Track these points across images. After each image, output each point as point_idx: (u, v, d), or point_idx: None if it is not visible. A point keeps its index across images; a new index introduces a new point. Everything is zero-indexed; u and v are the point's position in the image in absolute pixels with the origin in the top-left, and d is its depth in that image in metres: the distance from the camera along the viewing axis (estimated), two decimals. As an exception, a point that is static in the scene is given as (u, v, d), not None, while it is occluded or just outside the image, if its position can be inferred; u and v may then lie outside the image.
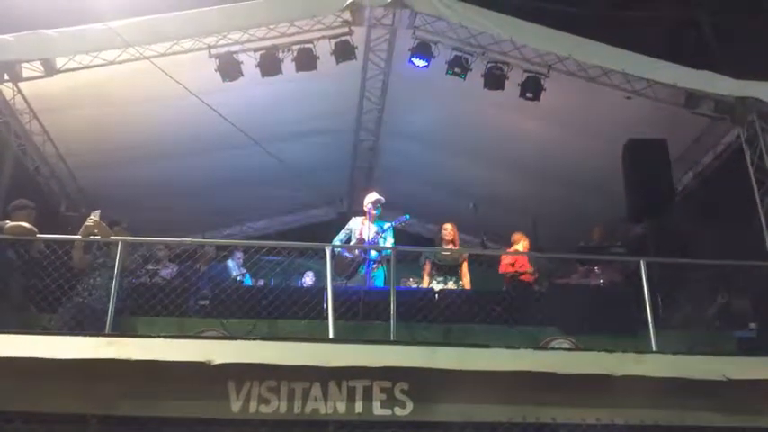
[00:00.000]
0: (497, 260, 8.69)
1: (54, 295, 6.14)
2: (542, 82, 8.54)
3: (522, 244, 8.71)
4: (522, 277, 8.53)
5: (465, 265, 8.11)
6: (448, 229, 8.24)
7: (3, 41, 7.57)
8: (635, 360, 5.73)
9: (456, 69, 8.62)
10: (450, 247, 8.18)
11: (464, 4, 8.17)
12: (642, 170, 8.18)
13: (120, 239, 6.31)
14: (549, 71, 8.49)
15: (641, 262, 6.55)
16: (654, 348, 6.12)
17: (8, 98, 8.11)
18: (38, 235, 6.36)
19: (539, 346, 6.66)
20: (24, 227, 6.33)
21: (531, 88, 8.59)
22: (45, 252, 6.25)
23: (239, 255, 9.09)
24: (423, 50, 8.59)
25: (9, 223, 6.35)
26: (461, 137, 10.16)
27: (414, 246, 9.87)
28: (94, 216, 6.34)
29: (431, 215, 11.49)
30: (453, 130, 10.15)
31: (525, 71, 8.59)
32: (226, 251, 9.02)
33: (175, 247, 8.31)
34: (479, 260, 8.60)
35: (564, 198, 10.20)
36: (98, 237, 6.38)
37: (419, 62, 8.65)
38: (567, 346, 6.78)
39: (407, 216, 8.29)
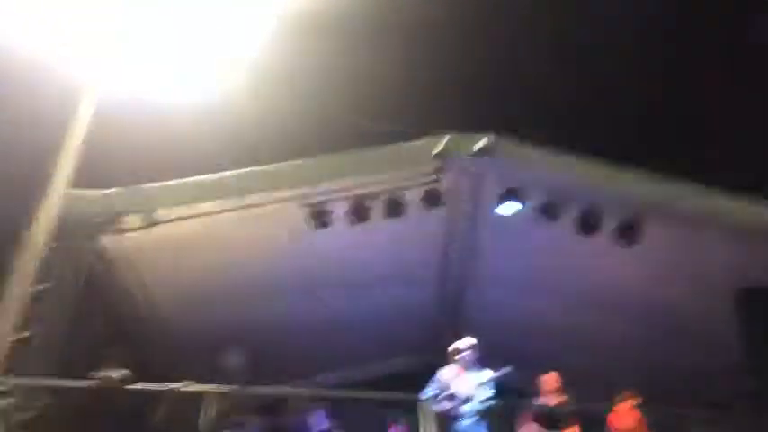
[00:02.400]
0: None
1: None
2: (639, 226, 8.27)
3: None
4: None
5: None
6: (549, 380, 7.66)
7: (105, 195, 7.96)
8: None
9: (546, 215, 8.49)
10: (554, 397, 7.56)
11: (553, 153, 8.18)
12: (760, 320, 7.60)
13: (211, 389, 6.09)
14: (643, 215, 8.24)
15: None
16: None
17: (108, 248, 8.37)
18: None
19: None
20: (114, 379, 6.22)
21: (626, 233, 8.32)
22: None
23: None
24: (511, 197, 8.53)
25: (102, 373, 6.26)
26: (554, 283, 9.80)
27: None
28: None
29: (524, 366, 10.79)
30: (545, 276, 9.81)
31: (619, 215, 8.36)
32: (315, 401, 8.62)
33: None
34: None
35: (668, 349, 9.51)
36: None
37: (508, 208, 8.55)
38: None
39: (503, 373, 7.71)
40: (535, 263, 9.75)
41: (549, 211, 8.41)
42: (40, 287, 7.23)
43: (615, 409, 7.88)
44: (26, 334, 6.86)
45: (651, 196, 8.02)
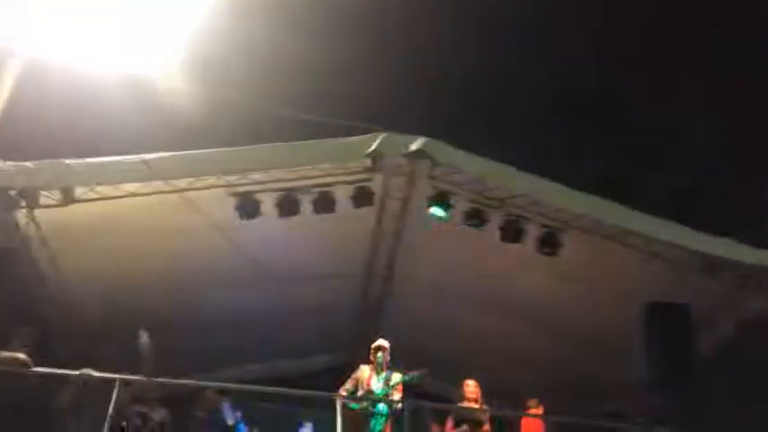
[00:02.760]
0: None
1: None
2: (560, 237, 8.52)
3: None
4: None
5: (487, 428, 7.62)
6: (471, 386, 7.82)
7: (23, 168, 7.59)
8: None
9: (473, 221, 8.63)
10: (472, 405, 7.71)
11: (484, 159, 8.31)
12: (664, 335, 7.94)
13: (119, 377, 5.94)
14: (566, 227, 8.50)
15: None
16: None
17: (21, 224, 8.03)
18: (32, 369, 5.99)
19: None
20: (20, 359, 5.99)
21: (549, 243, 8.57)
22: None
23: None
24: (441, 200, 8.63)
25: (4, 354, 6.02)
26: (477, 289, 9.98)
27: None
28: None
29: (442, 371, 10.96)
30: (468, 282, 9.98)
31: (543, 225, 8.60)
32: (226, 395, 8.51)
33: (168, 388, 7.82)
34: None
35: (576, 359, 9.84)
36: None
37: (438, 212, 8.64)
38: None
39: (417, 373, 7.80)
40: (458, 268, 9.91)
41: (475, 216, 8.55)
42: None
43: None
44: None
45: (574, 208, 8.25)
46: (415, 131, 8.19)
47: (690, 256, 8.22)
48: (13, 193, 7.71)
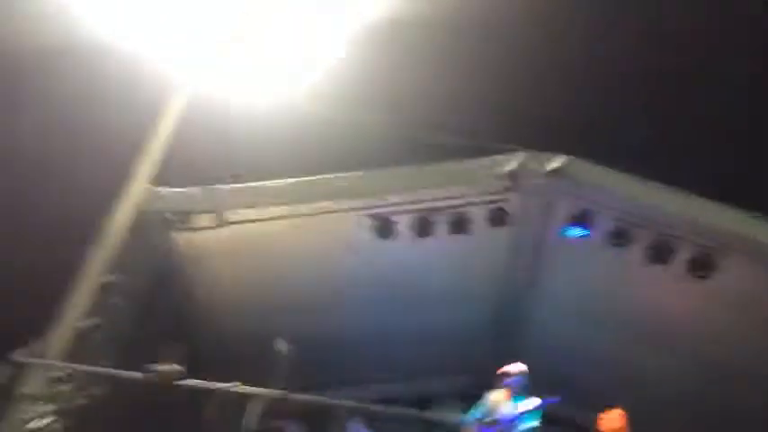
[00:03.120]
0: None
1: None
2: (715, 259, 7.87)
3: None
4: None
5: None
6: (614, 417, 7.29)
7: (179, 194, 8.25)
8: None
9: (617, 241, 8.20)
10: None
11: (629, 177, 7.90)
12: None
13: (258, 391, 6.19)
14: (723, 249, 7.83)
15: None
16: None
17: (177, 245, 8.67)
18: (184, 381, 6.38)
19: None
20: (174, 371, 6.40)
21: (702, 265, 7.94)
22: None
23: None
24: (582, 220, 8.29)
25: (160, 367, 6.45)
26: (622, 314, 9.39)
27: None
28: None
29: (584, 400, 10.40)
30: (612, 305, 9.40)
31: (695, 246, 7.98)
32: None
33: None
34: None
35: (723, 391, 8.95)
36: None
37: (578, 232, 8.32)
38: None
39: (553, 401, 7.45)
40: (600, 291, 9.38)
41: (618, 237, 8.12)
42: (112, 278, 7.55)
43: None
44: (93, 322, 7.17)
45: (729, 228, 7.60)
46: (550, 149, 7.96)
47: None
48: (171, 217, 8.39)
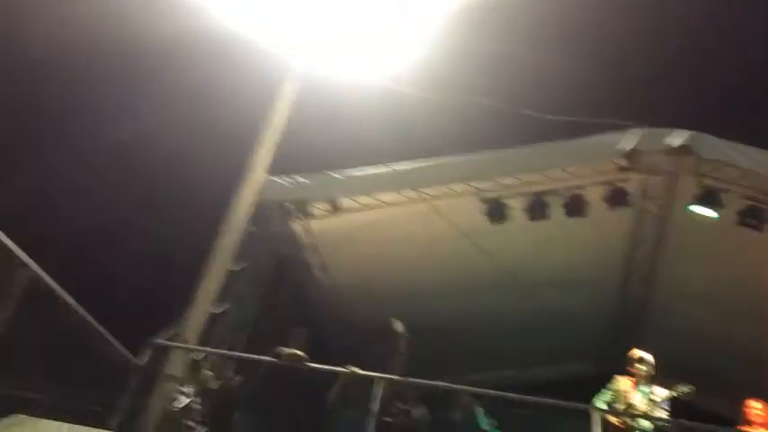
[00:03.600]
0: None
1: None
2: None
3: None
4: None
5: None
6: (758, 409, 6.83)
7: (296, 182, 8.44)
8: None
9: (749, 221, 7.67)
10: (759, 430, 6.74)
11: (760, 150, 7.35)
12: None
13: (378, 375, 6.30)
14: None
15: None
16: None
17: (297, 234, 8.95)
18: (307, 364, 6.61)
19: None
20: (298, 355, 6.65)
21: None
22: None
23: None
24: (709, 199, 7.82)
25: (285, 350, 6.71)
26: (755, 298, 8.82)
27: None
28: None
29: (717, 387, 9.43)
30: (744, 290, 8.86)
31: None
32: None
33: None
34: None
35: None
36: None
37: (706, 212, 7.85)
38: None
39: (687, 389, 7.03)
40: (732, 274, 8.84)
41: (750, 216, 7.60)
42: (238, 267, 7.89)
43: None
44: (223, 308, 7.56)
45: None
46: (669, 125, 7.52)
47: None
48: (289, 205, 8.65)
